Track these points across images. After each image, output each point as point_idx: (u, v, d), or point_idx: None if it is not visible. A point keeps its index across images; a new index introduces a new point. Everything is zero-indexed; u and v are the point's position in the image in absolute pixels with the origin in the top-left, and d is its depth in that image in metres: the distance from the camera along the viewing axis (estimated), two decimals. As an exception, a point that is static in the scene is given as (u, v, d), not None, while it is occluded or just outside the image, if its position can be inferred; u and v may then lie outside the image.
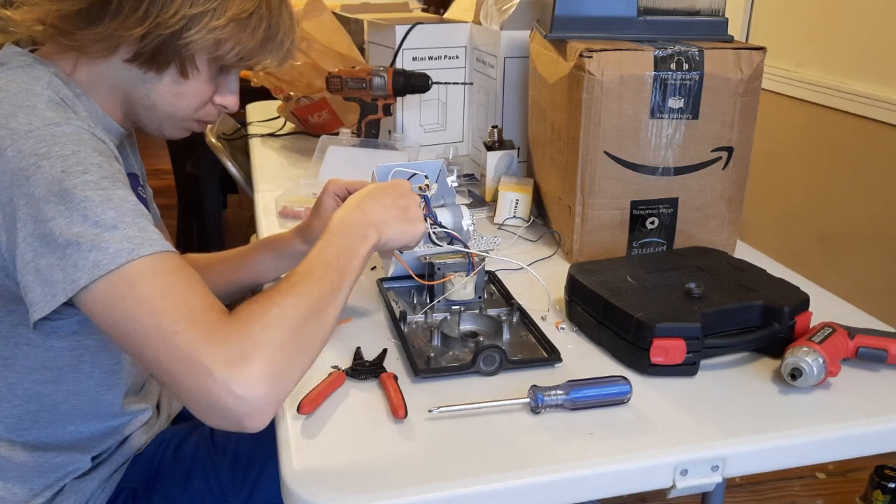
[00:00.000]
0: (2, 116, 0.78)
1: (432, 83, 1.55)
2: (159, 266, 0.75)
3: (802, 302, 0.98)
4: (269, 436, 1.07)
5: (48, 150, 0.76)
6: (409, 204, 0.93)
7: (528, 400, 0.84)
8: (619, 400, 0.85)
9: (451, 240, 1.10)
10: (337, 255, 0.84)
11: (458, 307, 1.03)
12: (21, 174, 0.75)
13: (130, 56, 0.87)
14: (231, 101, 0.96)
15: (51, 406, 0.93)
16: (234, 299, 1.07)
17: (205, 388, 0.69)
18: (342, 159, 1.52)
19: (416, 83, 1.55)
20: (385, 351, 0.95)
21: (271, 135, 1.95)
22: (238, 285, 1.16)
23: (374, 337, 0.99)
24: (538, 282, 1.07)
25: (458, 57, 1.69)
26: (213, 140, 2.00)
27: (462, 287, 1.05)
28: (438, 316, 1.03)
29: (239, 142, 2.06)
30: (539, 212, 1.41)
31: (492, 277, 1.13)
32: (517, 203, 1.38)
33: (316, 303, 0.78)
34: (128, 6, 0.83)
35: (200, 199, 2.73)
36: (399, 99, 1.63)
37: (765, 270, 1.07)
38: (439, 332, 0.96)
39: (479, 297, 1.06)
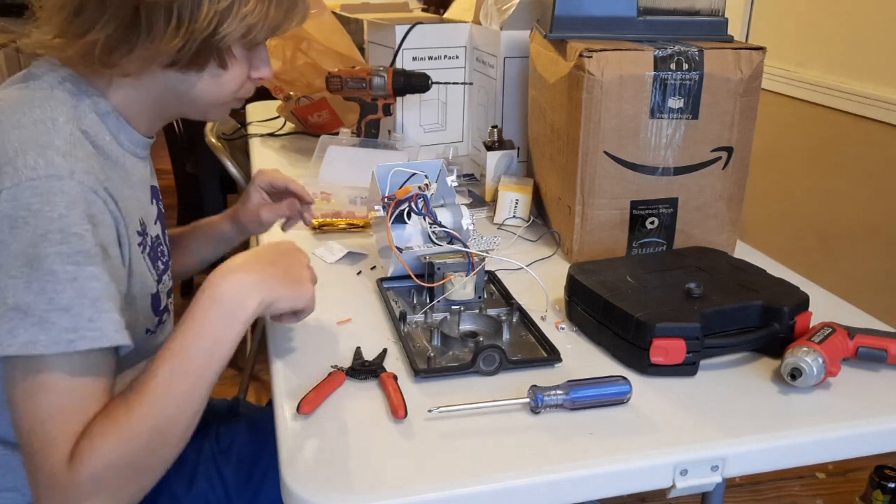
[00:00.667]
0: (12, 148, 0.77)
1: (432, 83, 1.55)
2: (79, 368, 0.75)
3: (802, 302, 0.98)
4: (272, 438, 1.07)
5: (40, 207, 0.74)
6: (291, 263, 0.88)
7: (527, 400, 0.84)
8: (619, 400, 0.85)
9: (451, 240, 1.10)
10: (204, 348, 0.79)
11: (457, 307, 1.03)
12: (6, 222, 0.74)
13: (169, 62, 0.86)
14: (266, 71, 0.96)
15: None
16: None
17: (47, 501, 0.75)
18: (342, 159, 1.52)
19: (415, 83, 1.55)
20: (385, 351, 0.95)
21: (271, 135, 1.95)
22: (181, 271, 1.22)
23: (374, 337, 0.99)
24: (538, 282, 1.07)
25: (457, 57, 1.69)
26: (213, 140, 2.00)
27: (462, 287, 1.05)
28: (438, 316, 1.03)
29: (239, 142, 2.06)
30: (539, 212, 1.41)
31: (491, 277, 1.13)
32: (517, 203, 1.38)
33: (168, 423, 0.77)
34: (159, 22, 0.82)
35: (200, 199, 2.73)
36: (399, 99, 1.63)
37: (764, 270, 1.07)
38: (439, 332, 0.96)
39: (479, 297, 1.06)
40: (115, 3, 0.81)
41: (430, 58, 1.67)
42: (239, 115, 2.23)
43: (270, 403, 1.27)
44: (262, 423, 1.11)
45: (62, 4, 0.83)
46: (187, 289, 3.02)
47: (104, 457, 0.74)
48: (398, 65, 1.64)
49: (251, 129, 2.00)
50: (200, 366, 0.79)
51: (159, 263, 0.98)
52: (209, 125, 2.05)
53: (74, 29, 0.83)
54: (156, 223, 0.99)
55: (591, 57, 1.11)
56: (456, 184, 1.18)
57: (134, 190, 0.92)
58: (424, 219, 1.12)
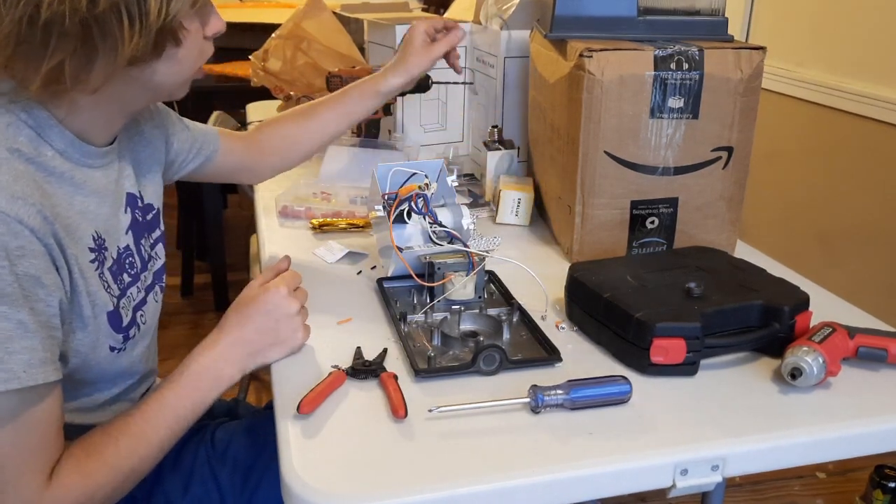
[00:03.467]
0: None
1: (432, 83, 1.54)
2: (14, 404, 0.75)
3: (802, 301, 0.98)
4: (269, 441, 1.07)
5: None
6: (279, 322, 0.93)
7: (528, 399, 0.84)
8: (619, 399, 0.85)
9: (451, 239, 1.10)
10: (188, 411, 0.89)
11: (458, 307, 1.03)
12: None
13: (129, 61, 0.81)
14: (217, 24, 0.91)
15: None
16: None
17: None
18: (342, 159, 1.52)
19: (416, 83, 1.55)
20: (385, 351, 0.95)
21: (271, 135, 1.94)
22: (339, 129, 1.28)
23: (375, 337, 0.99)
24: (538, 281, 1.07)
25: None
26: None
27: (462, 287, 1.05)
28: (438, 316, 1.03)
29: (239, 142, 2.05)
30: (539, 211, 1.41)
31: (492, 277, 1.13)
32: (519, 202, 1.38)
33: (147, 459, 0.86)
34: (112, 27, 0.77)
35: (200, 199, 2.73)
36: (399, 99, 1.63)
37: (765, 270, 1.07)
38: (439, 332, 0.96)
39: (479, 297, 1.06)
40: (58, 26, 0.75)
41: (431, 58, 1.67)
42: (239, 115, 2.23)
43: (269, 405, 1.27)
44: (258, 426, 1.11)
45: (3, 42, 0.77)
46: (187, 289, 3.02)
47: (86, 482, 0.80)
48: (398, 65, 1.64)
49: (251, 129, 2.00)
50: (183, 419, 0.88)
51: (125, 276, 0.94)
52: (210, 124, 2.05)
53: (26, 64, 0.78)
54: (127, 233, 0.96)
55: (591, 57, 1.11)
56: (456, 183, 1.18)
57: (88, 202, 0.87)
58: (425, 218, 1.12)
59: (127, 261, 0.95)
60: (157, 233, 1.05)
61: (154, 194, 1.06)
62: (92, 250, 0.87)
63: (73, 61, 0.78)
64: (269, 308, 0.93)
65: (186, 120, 1.16)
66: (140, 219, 1.00)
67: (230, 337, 0.92)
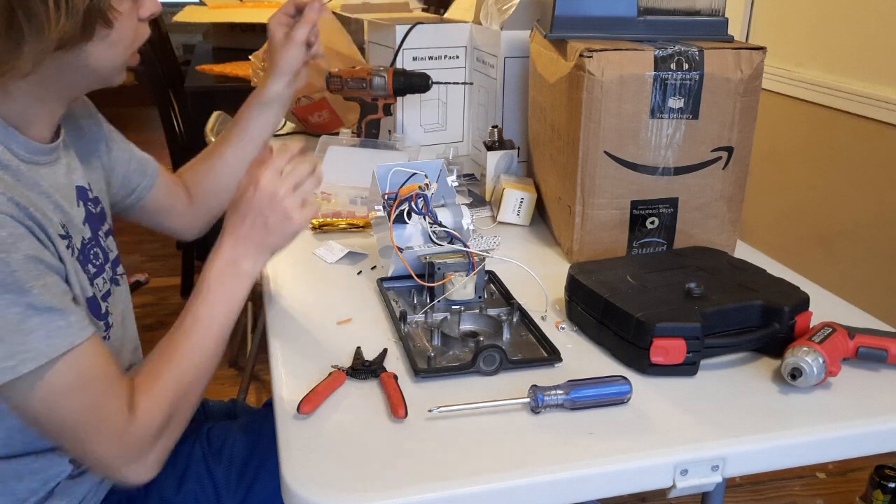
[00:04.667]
0: None
1: (432, 83, 1.55)
2: (71, 363, 0.80)
3: (802, 302, 0.98)
4: (265, 439, 1.07)
5: None
6: (274, 211, 0.94)
7: (528, 400, 0.84)
8: (619, 400, 0.86)
9: (452, 239, 1.10)
10: (221, 312, 0.92)
11: (458, 307, 1.03)
12: None
13: (58, 45, 0.81)
14: (152, 4, 0.91)
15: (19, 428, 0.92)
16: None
17: (105, 472, 0.89)
18: (342, 159, 1.52)
19: (416, 83, 1.55)
20: (385, 351, 0.95)
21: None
22: (246, 157, 1.23)
23: (375, 337, 0.99)
24: (538, 282, 1.07)
25: (458, 57, 1.69)
26: (213, 139, 1.99)
27: (462, 287, 1.05)
28: (438, 316, 1.03)
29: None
30: (539, 212, 1.41)
31: (492, 277, 1.13)
32: (522, 201, 1.38)
33: (202, 366, 0.90)
34: (38, 8, 0.77)
35: (200, 199, 2.72)
36: (399, 99, 1.63)
37: (765, 270, 1.07)
38: (439, 332, 0.96)
39: (479, 297, 1.06)
40: None
41: (431, 58, 1.67)
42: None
43: (267, 404, 1.27)
44: (254, 423, 1.11)
45: None
46: (187, 289, 3.02)
47: (160, 407, 0.86)
48: (398, 65, 1.64)
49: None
50: (222, 323, 0.92)
51: (90, 267, 0.95)
52: (209, 125, 2.05)
53: None
54: (84, 225, 0.96)
55: (591, 57, 1.11)
56: (456, 184, 1.19)
57: (45, 198, 0.87)
58: (425, 218, 1.12)
59: (91, 252, 0.96)
60: (107, 226, 1.04)
61: (99, 189, 1.05)
62: (62, 237, 0.88)
63: (0, 46, 0.79)
64: (254, 204, 0.94)
65: (127, 140, 1.17)
66: (93, 210, 1.00)
67: (231, 237, 0.94)
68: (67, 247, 0.88)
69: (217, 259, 0.93)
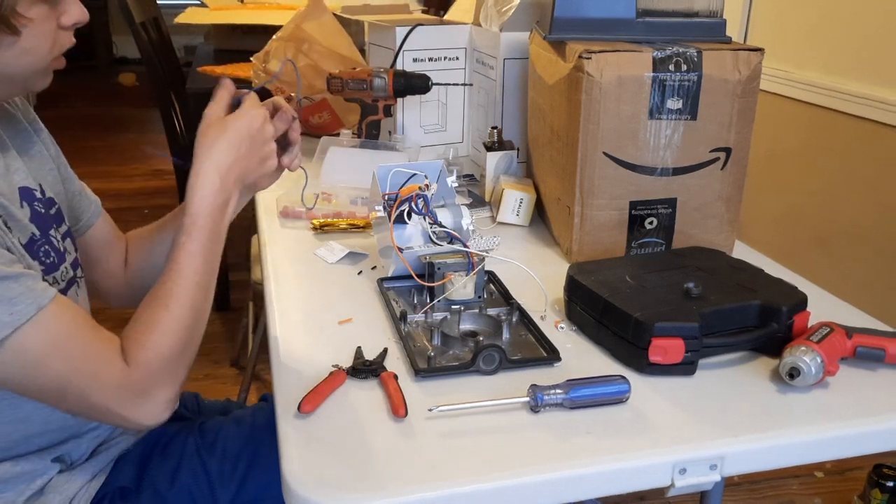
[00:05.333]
0: None
1: (432, 84, 1.55)
2: (25, 347, 0.79)
3: (800, 301, 0.98)
4: (258, 432, 1.08)
5: None
6: (255, 147, 0.93)
7: (527, 399, 0.84)
8: (618, 399, 0.86)
9: (451, 240, 1.11)
10: (212, 248, 0.91)
11: (458, 307, 1.04)
12: None
13: None
14: (76, 13, 0.87)
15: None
16: None
17: (114, 421, 0.87)
18: (343, 160, 1.52)
19: (416, 84, 1.55)
20: (385, 350, 0.95)
21: (272, 135, 1.95)
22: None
23: (375, 336, 1.00)
24: (537, 282, 1.07)
25: (458, 58, 1.70)
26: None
27: (462, 287, 1.05)
28: (438, 315, 1.03)
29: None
30: (538, 212, 1.41)
31: (491, 277, 1.13)
32: (521, 202, 1.38)
33: (201, 304, 0.90)
34: None
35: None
36: (399, 100, 1.63)
37: (763, 270, 1.07)
38: (439, 332, 0.97)
39: (479, 297, 1.07)
40: None
41: (431, 59, 1.67)
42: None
43: (263, 398, 1.28)
44: (248, 417, 1.11)
45: None
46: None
47: (156, 350, 0.85)
48: (399, 66, 1.64)
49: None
50: (211, 255, 0.91)
51: (37, 263, 0.92)
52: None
53: None
54: (31, 223, 0.92)
55: (590, 58, 1.11)
56: (456, 184, 1.19)
57: None
58: (425, 219, 1.12)
59: (41, 249, 0.93)
60: (65, 227, 1.01)
61: (57, 193, 1.03)
62: (4, 224, 0.86)
63: None
64: (244, 131, 0.93)
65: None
66: (42, 211, 0.96)
67: (214, 165, 0.91)
68: (9, 231, 0.86)
69: (203, 189, 0.90)
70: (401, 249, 1.08)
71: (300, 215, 1.38)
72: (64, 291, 0.96)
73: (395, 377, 0.89)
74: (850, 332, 0.95)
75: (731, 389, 0.90)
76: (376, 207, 1.16)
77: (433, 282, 1.05)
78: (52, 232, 0.97)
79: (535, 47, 1.37)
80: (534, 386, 0.84)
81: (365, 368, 0.91)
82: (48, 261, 0.94)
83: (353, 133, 1.64)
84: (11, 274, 0.78)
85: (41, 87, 0.90)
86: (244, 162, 0.93)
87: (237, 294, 2.93)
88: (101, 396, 0.83)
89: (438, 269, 1.05)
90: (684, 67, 1.13)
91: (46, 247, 0.94)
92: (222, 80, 0.98)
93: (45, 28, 0.84)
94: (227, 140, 0.92)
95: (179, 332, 0.87)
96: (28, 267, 0.86)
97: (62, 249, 0.98)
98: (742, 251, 1.28)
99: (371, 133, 1.61)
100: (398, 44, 1.63)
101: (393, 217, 1.10)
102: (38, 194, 0.97)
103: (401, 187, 1.13)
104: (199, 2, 3.48)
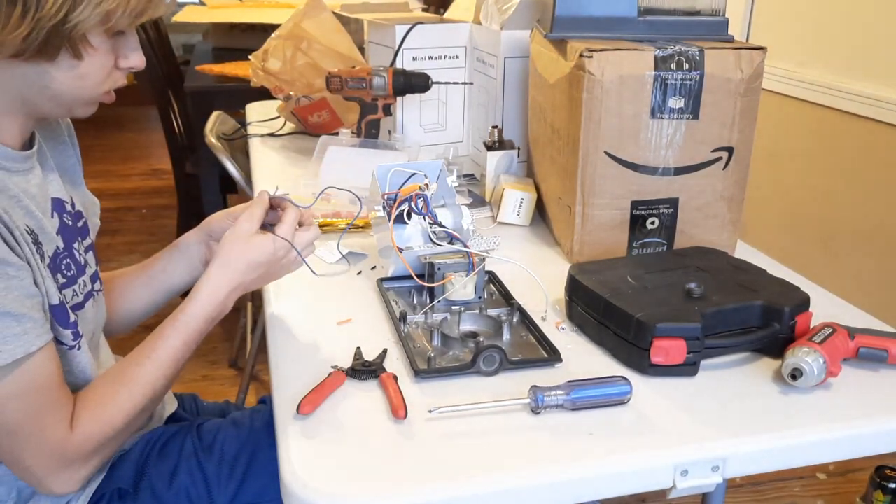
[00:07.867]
0: None
1: (432, 83, 1.54)
2: (18, 372, 0.81)
3: (803, 302, 0.98)
4: (256, 434, 1.07)
5: None
6: (277, 265, 0.99)
7: (528, 400, 0.84)
8: (620, 400, 0.85)
9: (451, 240, 1.10)
10: (192, 347, 0.96)
11: (458, 307, 1.03)
12: None
13: (14, 53, 0.81)
14: (136, 60, 0.91)
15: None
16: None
17: (31, 482, 0.89)
18: (342, 159, 1.52)
19: (416, 83, 1.55)
20: (385, 351, 0.95)
21: (271, 135, 1.95)
22: (161, 295, 1.17)
23: (375, 337, 0.99)
24: (538, 282, 1.07)
25: (458, 57, 1.69)
26: (213, 140, 1.99)
27: (462, 287, 1.05)
28: (438, 316, 1.03)
29: (239, 142, 2.06)
30: (539, 212, 1.41)
31: (492, 277, 1.13)
32: (522, 202, 1.38)
33: (161, 393, 0.94)
34: (2, 9, 0.78)
35: (200, 200, 2.73)
36: (399, 99, 1.63)
37: (765, 270, 1.07)
38: (439, 332, 0.96)
39: (479, 297, 1.06)
40: None
41: (431, 58, 1.67)
42: (239, 115, 2.23)
43: (262, 400, 1.28)
44: (245, 419, 1.11)
45: None
46: (185, 291, 2.98)
47: (104, 426, 0.88)
48: (398, 65, 1.64)
49: (251, 129, 2.00)
50: (188, 354, 0.96)
51: (59, 276, 0.93)
52: (209, 125, 2.05)
53: None
54: (57, 235, 0.94)
55: (591, 57, 1.11)
56: (456, 184, 1.19)
57: (13, 201, 0.87)
58: (425, 219, 1.12)
59: (63, 262, 0.94)
60: (88, 241, 1.03)
61: (83, 205, 1.04)
62: (33, 241, 0.87)
63: None
64: (270, 258, 0.98)
65: None
66: (70, 223, 0.98)
67: (230, 281, 0.97)
68: (37, 251, 0.88)
69: (210, 297, 0.96)
70: (400, 249, 1.08)
71: (299, 215, 1.37)
72: (82, 304, 0.98)
73: (395, 378, 0.88)
74: (852, 332, 0.95)
75: (733, 390, 0.90)
76: (376, 207, 1.15)
77: (433, 282, 1.04)
78: (75, 245, 0.99)
79: (535, 46, 1.36)
80: (534, 387, 0.84)
81: (364, 369, 0.90)
82: (69, 273, 0.96)
83: (353, 132, 1.64)
84: (17, 313, 0.81)
85: (84, 115, 0.94)
86: (257, 282, 1.00)
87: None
88: (32, 453, 0.85)
89: (438, 269, 1.04)
90: (686, 66, 1.13)
91: (68, 260, 0.96)
92: (261, 193, 1.04)
93: (105, 62, 0.88)
94: (248, 262, 0.97)
95: (132, 413, 0.91)
96: (47, 286, 0.88)
97: (83, 262, 1.00)
98: (744, 251, 1.27)
99: (370, 132, 1.61)
100: (398, 42, 1.63)
101: (393, 217, 1.10)
102: (69, 206, 1.00)
103: (400, 187, 1.12)
104: (197, 0, 3.47)
